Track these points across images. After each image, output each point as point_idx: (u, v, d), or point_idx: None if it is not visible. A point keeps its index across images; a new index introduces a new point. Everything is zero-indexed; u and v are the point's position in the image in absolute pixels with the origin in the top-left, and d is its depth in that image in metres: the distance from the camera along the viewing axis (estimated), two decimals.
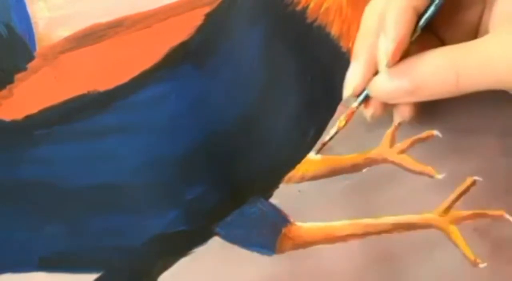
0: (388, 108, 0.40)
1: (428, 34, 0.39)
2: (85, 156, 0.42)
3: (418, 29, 0.38)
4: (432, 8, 0.37)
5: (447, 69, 0.36)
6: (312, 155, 0.43)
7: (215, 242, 0.42)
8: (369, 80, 0.39)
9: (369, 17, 0.39)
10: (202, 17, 0.43)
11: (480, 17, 0.40)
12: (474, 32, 0.40)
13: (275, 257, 0.41)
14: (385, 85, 0.38)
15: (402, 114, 0.40)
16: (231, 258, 0.41)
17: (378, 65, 0.38)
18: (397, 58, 0.37)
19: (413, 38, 0.37)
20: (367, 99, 0.40)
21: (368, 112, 0.40)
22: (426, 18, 0.38)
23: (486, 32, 0.37)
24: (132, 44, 0.43)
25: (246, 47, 0.44)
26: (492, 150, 0.44)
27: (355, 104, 0.40)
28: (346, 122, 0.40)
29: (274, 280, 0.41)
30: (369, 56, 0.38)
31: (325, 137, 0.41)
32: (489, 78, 0.36)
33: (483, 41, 0.36)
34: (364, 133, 0.43)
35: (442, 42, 0.40)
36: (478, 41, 0.36)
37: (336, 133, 0.41)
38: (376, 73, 0.39)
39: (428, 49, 0.37)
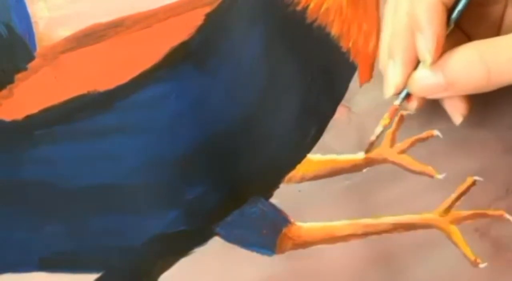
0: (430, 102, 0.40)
1: (455, 29, 0.39)
2: (85, 156, 0.42)
3: (451, 23, 0.38)
4: (463, 1, 0.38)
5: (478, 64, 0.37)
6: (311, 156, 0.43)
7: (215, 242, 0.42)
8: (408, 78, 0.39)
9: (396, 16, 0.39)
10: (203, 17, 0.43)
11: (503, 13, 0.40)
12: (498, 28, 0.41)
13: (275, 257, 0.41)
14: (423, 82, 0.38)
15: (457, 111, 0.40)
16: (231, 258, 0.41)
17: (422, 63, 0.38)
18: (439, 54, 0.37)
19: (448, 31, 0.38)
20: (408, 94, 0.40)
21: (412, 106, 0.40)
22: (459, 11, 0.38)
23: (509, 27, 0.38)
24: (132, 44, 0.43)
25: (246, 47, 0.44)
26: (492, 150, 0.44)
27: (397, 102, 0.40)
28: (390, 119, 0.41)
29: (274, 280, 0.41)
30: (406, 55, 0.39)
31: (371, 137, 0.42)
32: None
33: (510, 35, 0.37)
34: (364, 133, 0.43)
35: (468, 38, 0.41)
36: (508, 36, 0.37)
37: (382, 132, 0.41)
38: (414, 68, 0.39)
39: (456, 44, 0.38)
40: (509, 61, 0.36)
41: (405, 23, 0.38)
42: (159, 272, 0.41)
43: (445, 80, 0.37)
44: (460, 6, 0.38)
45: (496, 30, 0.41)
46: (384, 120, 0.41)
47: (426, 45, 0.37)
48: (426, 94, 0.39)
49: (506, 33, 0.37)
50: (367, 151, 0.42)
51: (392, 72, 0.39)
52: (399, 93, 0.40)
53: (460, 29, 0.41)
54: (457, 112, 0.40)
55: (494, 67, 0.36)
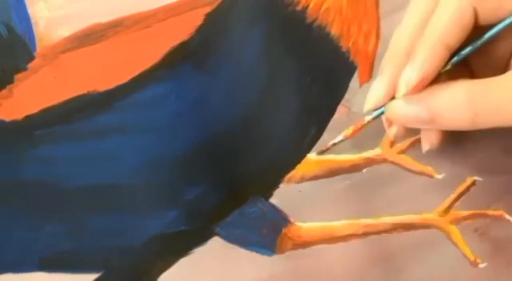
0: (407, 131, 0.39)
1: (458, 63, 0.38)
2: (85, 156, 0.42)
3: (449, 65, 0.37)
4: (469, 48, 0.37)
5: (465, 105, 0.35)
6: (311, 156, 0.43)
7: (215, 242, 0.42)
8: (390, 97, 0.38)
9: (401, 36, 0.38)
10: (202, 17, 0.43)
11: (511, 52, 0.39)
12: (505, 66, 0.39)
13: (275, 257, 0.41)
14: (402, 110, 0.37)
15: (429, 140, 0.39)
16: (231, 258, 0.41)
17: (397, 90, 0.37)
18: (418, 91, 0.36)
19: (442, 71, 0.37)
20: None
21: (391, 131, 0.39)
22: (461, 56, 0.37)
23: None
24: (132, 44, 0.43)
25: (246, 47, 0.44)
26: (492, 150, 0.44)
27: (368, 118, 0.39)
28: (353, 132, 0.39)
29: (274, 280, 0.41)
30: (394, 74, 0.37)
31: (329, 143, 0.40)
32: (506, 118, 0.35)
33: (505, 79, 0.36)
34: (364, 133, 0.43)
35: (471, 72, 0.40)
36: (501, 78, 0.36)
37: (340, 141, 0.40)
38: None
39: (456, 78, 0.36)
40: (498, 106, 0.35)
41: (406, 45, 0.38)
42: (159, 272, 0.41)
43: (428, 113, 0.36)
44: (463, 52, 0.37)
45: (503, 70, 0.39)
46: (348, 130, 0.39)
47: (409, 77, 0.36)
48: (402, 123, 0.38)
49: None
50: (320, 153, 0.41)
51: (376, 86, 0.38)
52: (376, 109, 0.38)
53: (466, 64, 0.40)
54: (428, 141, 0.39)
55: (481, 110, 0.35)
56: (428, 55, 0.36)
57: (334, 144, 0.40)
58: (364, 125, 0.39)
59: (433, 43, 0.36)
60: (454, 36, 0.36)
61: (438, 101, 0.36)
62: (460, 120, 0.36)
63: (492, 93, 0.35)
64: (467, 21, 0.36)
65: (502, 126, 0.36)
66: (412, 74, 0.36)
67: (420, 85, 0.36)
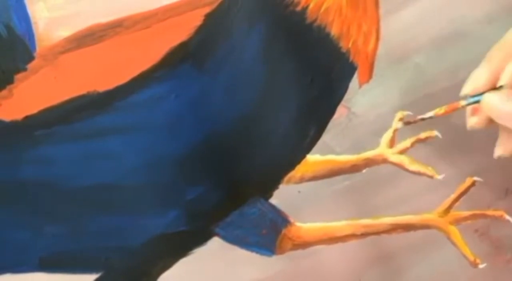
0: (492, 124, 0.38)
1: None
2: (85, 156, 0.42)
3: None
4: None
5: None
6: (311, 156, 0.43)
7: (215, 242, 0.42)
8: (490, 87, 0.37)
9: None
10: (202, 18, 0.43)
11: None
12: None
13: (275, 258, 0.41)
14: (499, 103, 0.37)
15: (504, 146, 0.38)
16: (231, 259, 0.41)
17: (499, 80, 0.37)
18: None
19: None
20: (477, 106, 0.38)
21: (472, 121, 0.39)
22: None
23: None
24: (132, 45, 0.43)
25: (246, 47, 0.43)
26: (492, 150, 0.44)
27: (463, 103, 0.38)
28: (445, 112, 0.39)
29: (274, 280, 0.41)
30: (499, 65, 0.37)
31: (422, 115, 0.40)
32: None
33: None
34: (364, 134, 0.43)
35: None
36: None
37: (430, 117, 0.39)
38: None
39: None
40: None
41: None
42: (159, 272, 0.41)
43: None
44: None
45: None
46: (440, 109, 0.39)
47: None
48: (496, 116, 0.37)
49: None
50: (406, 124, 0.41)
51: (478, 72, 0.38)
52: (473, 96, 0.38)
53: None
54: (503, 146, 0.38)
55: None
56: None
57: (423, 119, 0.40)
58: (456, 108, 0.39)
59: None
60: None
61: None
62: None
63: None
64: None
65: None
66: None
67: None
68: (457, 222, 0.42)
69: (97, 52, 0.43)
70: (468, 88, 0.38)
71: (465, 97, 0.38)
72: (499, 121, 0.37)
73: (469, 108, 0.39)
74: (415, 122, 0.40)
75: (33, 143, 0.42)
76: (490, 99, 0.37)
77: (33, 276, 0.41)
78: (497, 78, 0.37)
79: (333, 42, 0.44)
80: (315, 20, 0.44)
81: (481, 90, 0.37)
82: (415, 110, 0.41)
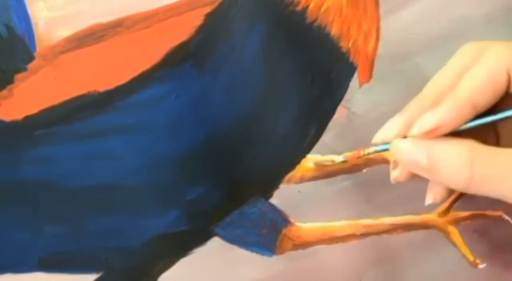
0: (414, 178, 0.38)
1: (487, 125, 0.37)
2: (85, 156, 0.42)
3: (467, 125, 0.36)
4: (494, 116, 0.36)
5: (463, 166, 0.35)
6: (311, 156, 0.43)
7: (215, 242, 0.42)
8: (400, 137, 0.37)
9: (433, 84, 0.38)
10: (202, 18, 0.43)
11: None
12: None
13: (275, 257, 0.41)
14: (405, 149, 0.36)
15: (433, 194, 0.38)
16: (231, 258, 0.41)
17: (411, 129, 0.36)
18: (429, 137, 0.35)
19: (461, 128, 0.36)
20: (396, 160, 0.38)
21: (394, 173, 0.38)
22: (482, 122, 0.36)
23: None
24: (132, 44, 0.43)
25: (246, 47, 0.43)
26: None
27: (371, 149, 0.38)
28: (352, 156, 0.39)
29: (274, 280, 0.41)
30: (412, 117, 0.37)
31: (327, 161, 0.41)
32: (497, 191, 0.35)
33: (509, 153, 0.35)
34: (364, 134, 0.43)
35: (496, 135, 0.39)
36: (505, 151, 0.35)
37: (338, 162, 0.40)
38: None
39: (477, 138, 0.36)
40: (495, 177, 0.35)
41: (434, 93, 0.37)
42: (159, 272, 0.41)
43: (427, 162, 0.35)
44: (484, 120, 0.36)
45: None
46: (345, 156, 0.39)
47: (426, 120, 0.35)
48: (403, 163, 0.37)
49: None
50: (317, 165, 0.42)
51: (391, 122, 0.38)
52: (384, 143, 0.38)
53: (493, 125, 0.39)
54: (432, 194, 0.38)
55: (478, 176, 0.35)
56: (452, 108, 0.35)
57: (333, 162, 0.41)
58: (363, 156, 0.39)
59: (461, 99, 0.35)
60: (483, 97, 0.36)
61: (440, 153, 0.35)
62: (455, 179, 0.35)
63: (492, 163, 0.35)
64: (498, 85, 0.36)
65: (493, 197, 0.35)
66: (430, 118, 0.35)
67: (434, 131, 0.35)
68: (456, 222, 0.42)
69: (97, 52, 0.43)
70: (378, 137, 0.38)
71: (375, 145, 0.38)
72: (408, 168, 0.37)
73: (391, 162, 0.38)
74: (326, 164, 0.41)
75: (33, 143, 0.42)
76: (396, 145, 0.37)
77: (33, 276, 0.41)
78: (408, 130, 0.36)
79: (333, 42, 0.44)
80: (315, 20, 0.44)
81: (391, 139, 0.37)
82: None
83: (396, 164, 0.38)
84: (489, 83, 0.36)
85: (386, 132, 0.37)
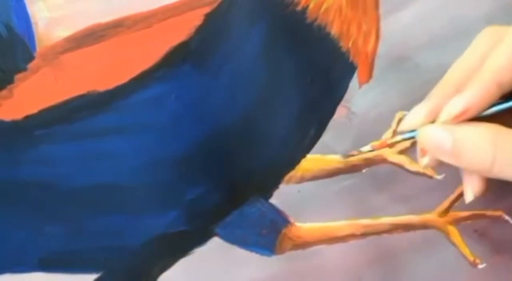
0: (443, 165, 0.38)
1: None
2: (85, 156, 0.42)
3: (494, 110, 0.36)
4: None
5: (486, 148, 0.35)
6: (311, 156, 0.43)
7: (215, 242, 0.42)
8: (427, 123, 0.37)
9: (456, 69, 0.38)
10: (202, 18, 0.43)
11: None
12: None
13: (275, 258, 0.41)
14: (431, 135, 0.37)
15: (471, 187, 0.38)
16: (231, 259, 0.41)
17: (440, 115, 0.36)
18: (458, 121, 0.36)
19: (487, 112, 0.36)
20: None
21: (423, 161, 0.38)
22: (506, 107, 0.36)
23: None
24: (132, 44, 0.43)
25: (246, 47, 0.43)
26: None
27: (399, 138, 0.39)
28: (380, 145, 0.40)
29: (273, 280, 0.41)
30: (438, 103, 0.37)
31: (356, 151, 0.40)
32: None
33: None
34: (364, 134, 0.43)
35: None
36: None
37: (365, 152, 0.40)
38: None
39: (501, 121, 0.36)
40: None
41: (459, 78, 0.37)
42: (159, 272, 0.41)
43: (451, 145, 0.36)
44: (509, 104, 0.36)
45: None
46: (372, 146, 0.40)
47: (455, 105, 0.35)
48: (429, 149, 0.37)
49: None
50: (345, 157, 0.42)
51: (416, 109, 0.38)
52: (410, 131, 0.38)
53: None
54: (470, 188, 0.38)
55: (500, 158, 0.35)
56: (478, 89, 0.35)
57: (359, 152, 0.40)
58: (392, 144, 0.40)
59: (486, 79, 0.36)
60: (508, 77, 0.36)
61: (464, 136, 0.36)
62: (478, 162, 0.35)
63: None
64: None
65: None
66: (458, 103, 0.36)
67: (463, 115, 0.35)
68: (456, 222, 0.42)
69: (97, 52, 0.43)
70: (405, 125, 0.38)
71: (402, 133, 0.38)
72: (436, 156, 0.37)
73: (418, 150, 0.38)
74: (350, 156, 0.41)
75: (33, 143, 0.42)
76: (423, 131, 0.37)
77: (33, 276, 0.41)
78: (435, 116, 0.37)
79: (333, 42, 0.44)
80: (315, 20, 0.44)
81: (418, 126, 0.37)
82: None
83: (424, 152, 0.38)
84: None
85: (412, 119, 0.37)
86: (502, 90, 0.36)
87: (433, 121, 0.37)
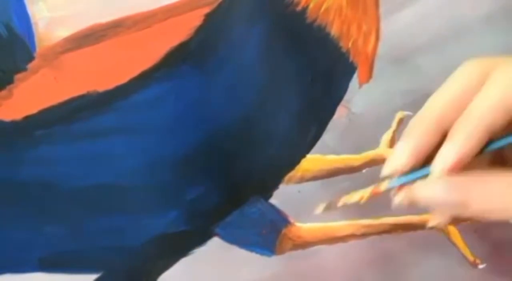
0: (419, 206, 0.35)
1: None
2: (85, 156, 0.42)
3: (484, 151, 0.34)
4: (508, 139, 0.34)
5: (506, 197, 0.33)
6: (311, 156, 0.43)
7: (215, 242, 0.42)
8: (412, 167, 0.34)
9: (436, 103, 0.35)
10: (202, 18, 0.43)
11: None
12: None
13: (275, 258, 0.41)
14: (434, 190, 0.33)
15: (439, 219, 0.36)
16: (231, 259, 0.41)
17: (432, 168, 0.33)
18: (453, 173, 0.33)
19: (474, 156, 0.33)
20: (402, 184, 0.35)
21: (397, 198, 0.35)
22: (498, 145, 0.34)
23: None
24: (132, 44, 0.43)
25: (245, 47, 0.43)
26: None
27: (384, 186, 0.35)
28: (369, 196, 0.36)
29: (273, 280, 0.41)
30: (419, 142, 0.34)
31: (339, 200, 0.37)
32: None
33: None
34: (364, 134, 0.43)
35: (503, 159, 0.36)
36: None
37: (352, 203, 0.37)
38: (423, 161, 0.34)
39: (485, 160, 0.34)
40: None
41: (438, 115, 0.34)
42: (159, 272, 0.41)
43: (461, 198, 0.33)
44: (499, 143, 0.34)
45: None
46: (364, 194, 0.36)
47: (447, 156, 0.33)
48: (433, 205, 0.35)
49: None
50: (328, 207, 0.37)
51: (398, 151, 0.34)
52: (395, 176, 0.35)
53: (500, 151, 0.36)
54: (438, 219, 0.36)
55: None
56: (468, 135, 0.33)
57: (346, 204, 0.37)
58: (377, 194, 0.36)
59: (475, 124, 0.33)
60: (497, 120, 0.33)
61: (475, 188, 0.33)
62: (497, 211, 0.33)
63: None
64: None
65: None
66: (450, 153, 0.33)
67: (457, 166, 0.33)
68: (456, 222, 0.42)
69: (97, 52, 0.43)
70: (387, 170, 0.34)
71: (386, 179, 0.35)
72: (435, 208, 0.35)
73: (394, 191, 0.35)
74: (331, 206, 0.37)
75: (33, 143, 0.42)
76: (421, 189, 0.34)
77: (33, 276, 0.41)
78: (419, 156, 0.34)
79: (333, 42, 0.44)
80: (315, 20, 0.44)
81: (404, 171, 0.34)
82: (415, 110, 0.41)
83: (401, 189, 0.35)
84: (503, 104, 0.33)
85: (395, 163, 0.34)
86: (491, 135, 0.33)
87: (416, 162, 0.34)
